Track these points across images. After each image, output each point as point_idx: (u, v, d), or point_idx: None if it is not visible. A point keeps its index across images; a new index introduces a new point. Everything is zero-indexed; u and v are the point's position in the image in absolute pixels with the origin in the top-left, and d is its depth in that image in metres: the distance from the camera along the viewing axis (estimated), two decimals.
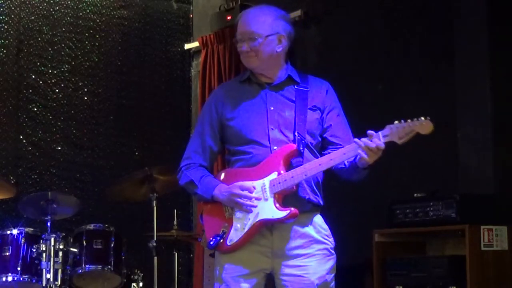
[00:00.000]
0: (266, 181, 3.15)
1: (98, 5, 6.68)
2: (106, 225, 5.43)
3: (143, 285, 5.44)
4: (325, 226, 3.29)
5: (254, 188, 3.15)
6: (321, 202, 3.29)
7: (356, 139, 3.07)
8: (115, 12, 6.77)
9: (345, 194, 5.59)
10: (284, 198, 3.15)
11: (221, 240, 3.16)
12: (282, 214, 3.12)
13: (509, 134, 4.75)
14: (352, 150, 3.09)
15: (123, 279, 5.35)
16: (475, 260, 4.36)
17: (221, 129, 3.30)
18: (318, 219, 3.27)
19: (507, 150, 4.74)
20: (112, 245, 5.33)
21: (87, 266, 5.22)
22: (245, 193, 3.13)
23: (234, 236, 3.16)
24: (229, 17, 6.51)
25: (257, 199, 3.14)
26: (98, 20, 6.67)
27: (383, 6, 5.54)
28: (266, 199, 3.14)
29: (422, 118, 3.04)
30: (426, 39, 5.22)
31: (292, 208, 3.13)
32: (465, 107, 4.88)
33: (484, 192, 4.66)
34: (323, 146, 3.32)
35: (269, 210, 3.13)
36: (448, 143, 4.93)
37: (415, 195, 4.77)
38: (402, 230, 4.80)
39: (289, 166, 3.17)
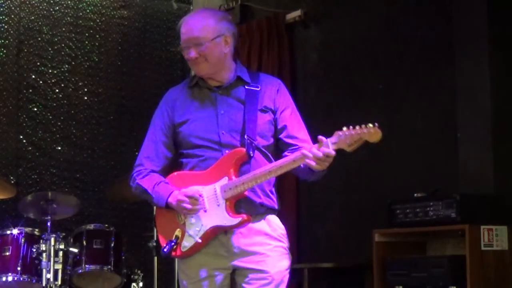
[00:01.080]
0: (217, 186, 3.14)
1: (98, 5, 6.68)
2: (106, 225, 5.43)
3: (143, 285, 5.44)
4: (281, 226, 3.26)
5: (201, 195, 3.13)
6: (276, 206, 3.26)
7: (303, 151, 3.02)
8: (115, 12, 6.77)
9: (345, 194, 5.60)
10: (236, 202, 3.15)
11: (175, 246, 3.16)
12: (234, 221, 3.11)
13: (509, 134, 4.75)
14: (301, 158, 3.04)
15: (123, 279, 5.35)
16: (475, 260, 4.35)
17: (173, 134, 3.29)
18: (274, 218, 3.25)
19: (507, 150, 4.74)
20: (112, 245, 5.33)
21: (87, 266, 5.22)
22: (191, 200, 3.11)
23: (187, 242, 3.16)
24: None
25: (206, 204, 3.14)
26: (98, 20, 6.67)
27: (383, 6, 5.54)
28: (218, 205, 3.13)
29: (370, 125, 2.98)
30: (426, 39, 5.22)
31: (244, 216, 3.12)
32: (465, 107, 4.87)
33: (484, 192, 4.66)
34: (278, 148, 3.27)
35: (221, 216, 3.12)
36: (448, 143, 4.93)
37: (415, 195, 4.77)
38: (402, 230, 4.80)
39: (239, 171, 3.16)
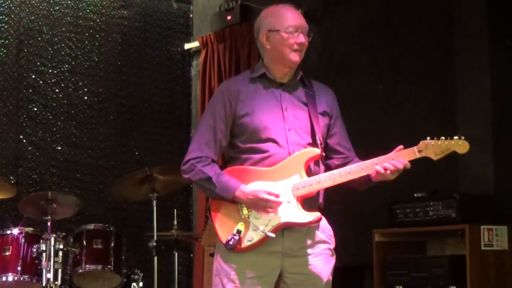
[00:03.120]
0: (288, 183, 3.14)
1: (98, 5, 6.69)
2: (106, 225, 5.43)
3: (143, 285, 5.44)
4: (329, 227, 3.30)
5: (278, 196, 3.12)
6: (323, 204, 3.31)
7: (385, 164, 3.09)
8: (115, 12, 6.77)
9: (345, 194, 5.59)
10: (303, 201, 3.15)
11: (238, 239, 3.13)
12: (309, 218, 3.12)
13: (509, 134, 4.75)
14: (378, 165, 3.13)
15: (123, 279, 5.35)
16: (475, 260, 4.36)
17: (232, 124, 3.25)
18: (323, 220, 3.27)
19: (507, 150, 4.74)
20: (112, 245, 5.33)
21: (87, 266, 5.22)
22: (273, 198, 3.10)
23: (252, 236, 3.13)
24: (229, 17, 6.52)
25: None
26: (98, 20, 6.67)
27: (383, 6, 5.54)
28: (289, 202, 3.13)
29: (456, 137, 3.14)
30: (426, 39, 5.22)
31: (318, 213, 3.13)
32: (465, 107, 4.88)
33: (484, 192, 4.66)
34: (324, 153, 3.30)
35: (294, 213, 3.12)
36: None
37: (415, 195, 4.78)
38: (402, 230, 4.80)
39: (308, 170, 3.17)
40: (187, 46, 7.11)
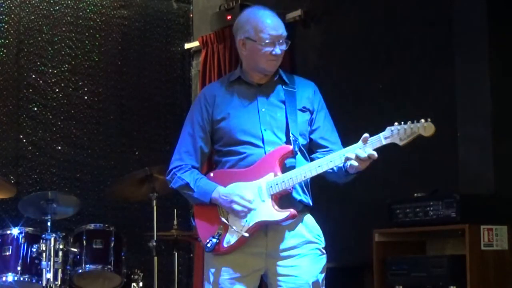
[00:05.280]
0: (262, 182, 3.16)
1: (98, 5, 6.69)
2: (106, 225, 5.44)
3: (143, 285, 5.45)
4: (317, 226, 3.30)
5: (251, 201, 3.14)
6: (311, 203, 3.31)
7: (348, 154, 3.06)
8: (115, 12, 6.78)
9: (345, 194, 5.59)
10: (279, 199, 3.16)
11: (217, 242, 3.16)
12: (282, 215, 3.12)
13: (509, 133, 4.75)
14: (346, 156, 3.09)
15: (123, 279, 5.36)
16: (475, 260, 4.35)
17: (211, 130, 3.29)
18: (309, 219, 3.29)
19: (507, 149, 4.73)
20: (112, 245, 5.34)
21: (87, 266, 5.23)
22: (245, 202, 3.13)
23: (231, 238, 3.16)
24: (229, 17, 6.52)
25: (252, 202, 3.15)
26: (98, 20, 6.67)
27: (383, 6, 5.54)
28: (263, 201, 3.14)
29: (422, 120, 3.06)
30: (426, 39, 5.22)
31: (292, 210, 3.13)
32: (465, 107, 4.87)
33: (484, 192, 4.66)
34: (309, 148, 3.32)
35: (268, 211, 3.13)
36: (448, 143, 4.93)
37: (415, 195, 4.77)
38: (402, 230, 4.79)
39: (283, 168, 3.17)
40: (187, 46, 7.11)
